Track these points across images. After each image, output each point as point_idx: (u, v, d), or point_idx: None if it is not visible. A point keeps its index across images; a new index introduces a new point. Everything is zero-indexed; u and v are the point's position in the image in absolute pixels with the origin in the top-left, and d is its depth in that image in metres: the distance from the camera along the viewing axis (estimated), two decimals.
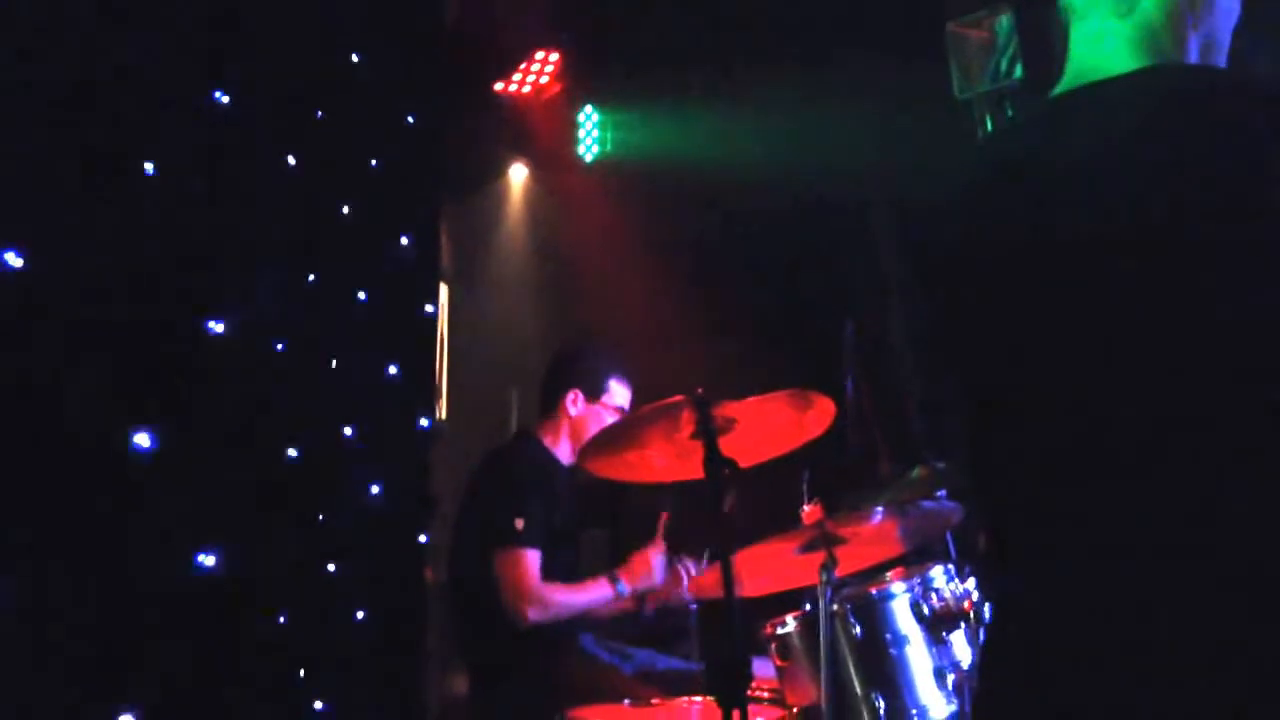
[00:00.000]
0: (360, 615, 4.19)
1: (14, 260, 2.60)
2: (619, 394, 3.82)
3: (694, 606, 3.80)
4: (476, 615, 3.66)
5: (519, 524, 3.50)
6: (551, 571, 3.55)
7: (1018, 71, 4.52)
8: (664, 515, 3.61)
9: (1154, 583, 1.28)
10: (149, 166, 3.02)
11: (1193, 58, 1.48)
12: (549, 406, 3.83)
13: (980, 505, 1.52)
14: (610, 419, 3.72)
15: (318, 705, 3.86)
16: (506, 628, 3.52)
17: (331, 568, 4.04)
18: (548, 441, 3.79)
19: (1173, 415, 1.30)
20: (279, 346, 3.70)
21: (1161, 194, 1.33)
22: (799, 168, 5.03)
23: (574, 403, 3.77)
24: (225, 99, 3.36)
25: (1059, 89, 1.52)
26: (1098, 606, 1.31)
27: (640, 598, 3.67)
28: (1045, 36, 4.42)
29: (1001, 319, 1.44)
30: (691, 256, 5.41)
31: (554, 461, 3.77)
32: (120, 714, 2.70)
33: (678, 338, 5.19)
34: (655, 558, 3.59)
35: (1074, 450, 1.35)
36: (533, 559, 3.50)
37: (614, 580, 3.60)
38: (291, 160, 3.77)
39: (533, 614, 3.46)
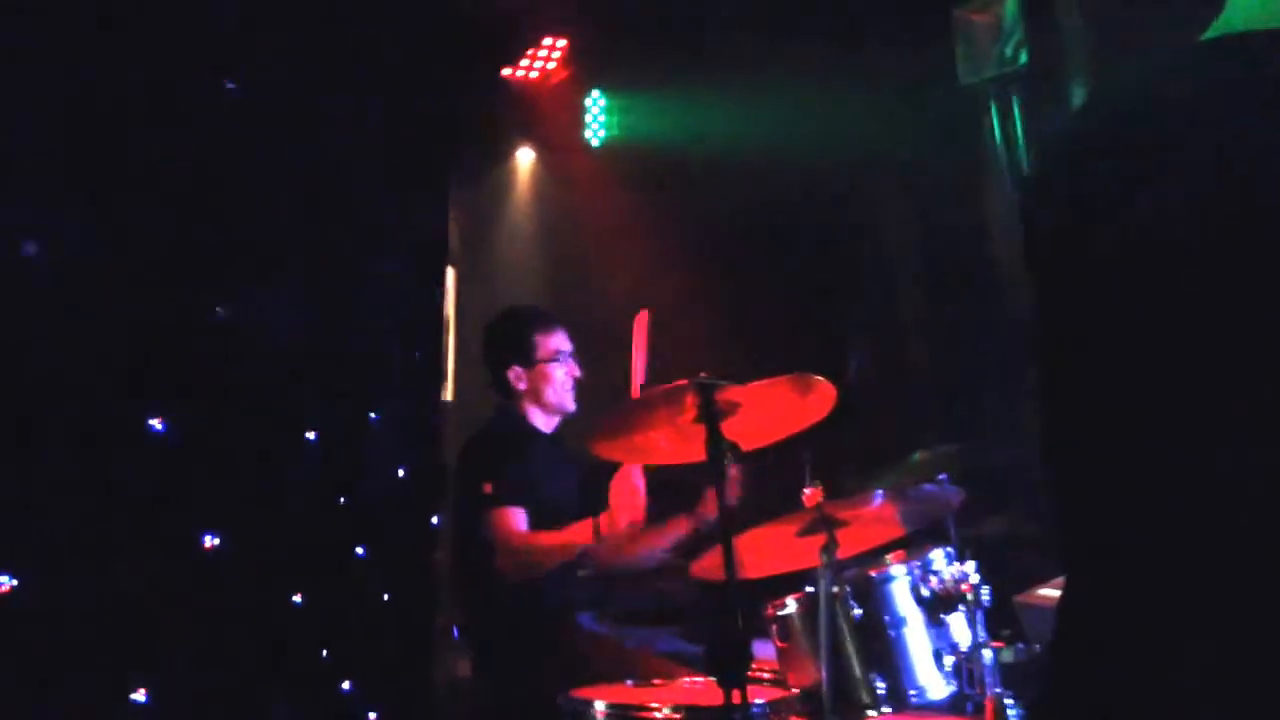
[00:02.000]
0: (383, 597, 4.25)
1: (33, 252, 2.65)
2: (549, 343, 3.79)
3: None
4: (476, 595, 3.69)
5: (487, 488, 3.51)
6: None
7: (1023, 57, 4.53)
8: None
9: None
10: (159, 154, 3.06)
11: None
12: (502, 389, 3.84)
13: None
14: (559, 370, 3.76)
15: (345, 685, 3.94)
16: (505, 606, 3.54)
17: (360, 550, 4.10)
18: (532, 411, 3.82)
19: None
20: (291, 332, 3.75)
21: None
22: (806, 152, 5.06)
23: (518, 377, 3.79)
24: (236, 86, 3.40)
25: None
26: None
27: (696, 517, 3.61)
28: (1050, 21, 4.46)
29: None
30: (697, 240, 5.44)
31: (530, 429, 3.78)
32: (133, 691, 2.75)
33: (684, 321, 5.21)
34: (633, 473, 3.30)
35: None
36: (504, 516, 3.47)
37: (596, 525, 3.37)
38: (302, 146, 3.81)
39: (503, 562, 3.42)
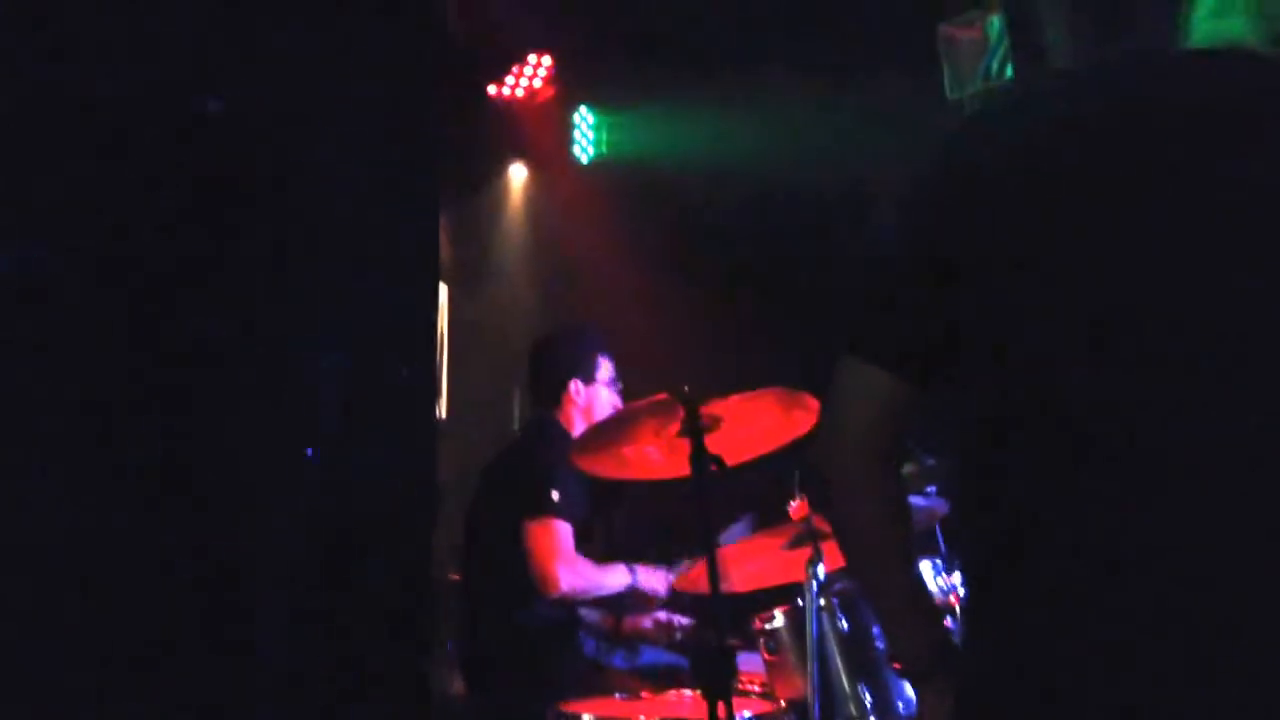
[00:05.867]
0: (381, 612, 4.25)
1: (20, 254, 2.66)
2: (606, 369, 3.86)
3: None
4: (483, 608, 3.71)
5: (555, 495, 3.52)
6: None
7: (1008, 72, 4.57)
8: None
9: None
10: (140, 173, 3.08)
11: None
12: (552, 399, 3.85)
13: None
14: (608, 394, 3.79)
15: (334, 696, 3.93)
16: (509, 623, 3.57)
17: (343, 565, 4.10)
18: (567, 427, 3.83)
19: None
20: (280, 345, 3.76)
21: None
22: (794, 167, 5.08)
23: (577, 392, 3.81)
24: (218, 104, 3.41)
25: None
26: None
27: (624, 612, 3.72)
28: (1036, 37, 4.46)
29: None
30: (688, 256, 5.46)
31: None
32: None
33: (675, 336, 5.23)
34: (668, 578, 3.65)
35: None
36: (567, 530, 3.53)
37: (631, 570, 3.65)
38: (288, 162, 3.82)
39: (565, 580, 3.47)
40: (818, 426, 1.56)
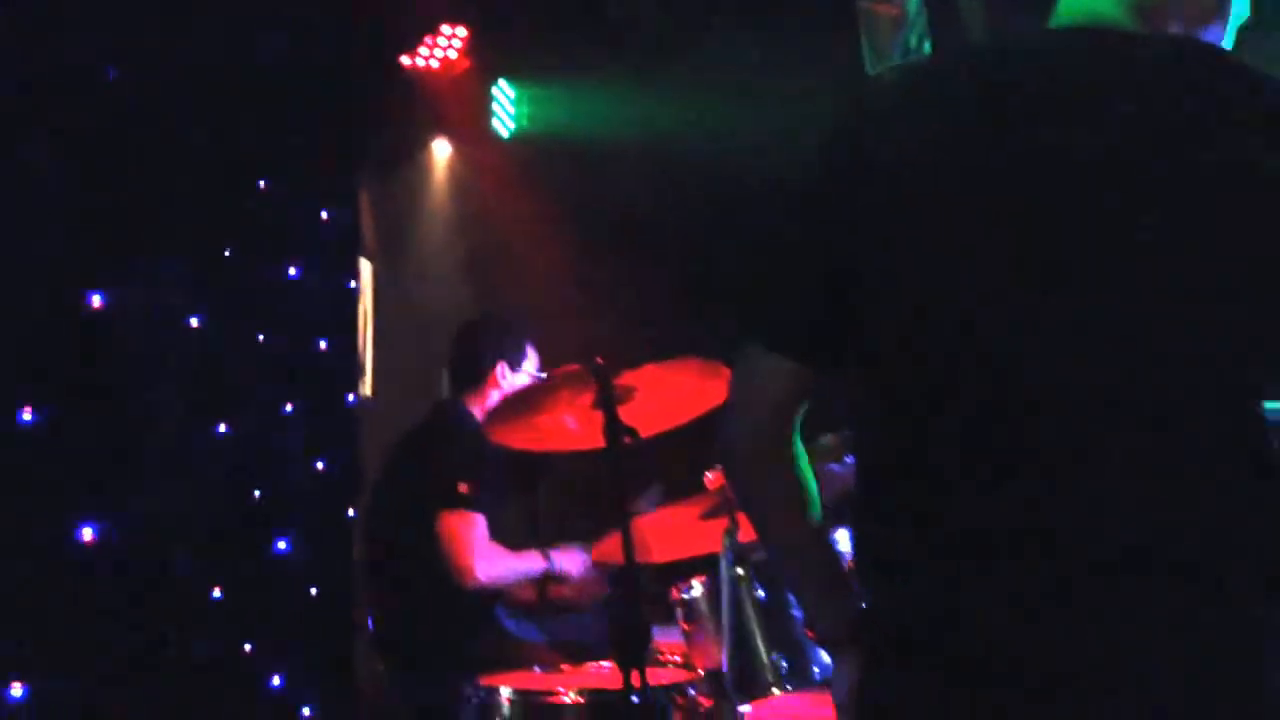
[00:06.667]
0: (302, 591, 4.23)
1: None
2: (533, 359, 3.88)
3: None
4: (399, 588, 3.69)
5: (469, 487, 3.54)
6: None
7: (926, 47, 4.60)
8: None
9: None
10: (49, 145, 3.01)
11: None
12: (476, 379, 3.83)
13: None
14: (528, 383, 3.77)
15: (275, 681, 3.91)
16: (426, 601, 3.56)
17: (280, 545, 4.08)
18: (477, 413, 3.81)
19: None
20: (194, 322, 3.71)
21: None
22: (718, 140, 5.08)
23: (503, 375, 3.80)
24: (128, 75, 3.35)
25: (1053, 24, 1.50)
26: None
27: (547, 582, 3.73)
28: (952, 12, 4.52)
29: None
30: (613, 230, 5.44)
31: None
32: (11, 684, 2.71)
33: (597, 309, 5.23)
34: (585, 559, 3.66)
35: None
36: (480, 522, 3.54)
37: (546, 556, 3.66)
38: (202, 138, 3.76)
39: (481, 570, 3.49)
40: (722, 411, 1.58)
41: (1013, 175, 1.33)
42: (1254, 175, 1.28)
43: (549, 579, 3.70)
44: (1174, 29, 1.46)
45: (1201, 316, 1.26)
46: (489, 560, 3.53)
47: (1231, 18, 1.51)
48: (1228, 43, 1.51)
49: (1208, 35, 1.48)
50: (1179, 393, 1.25)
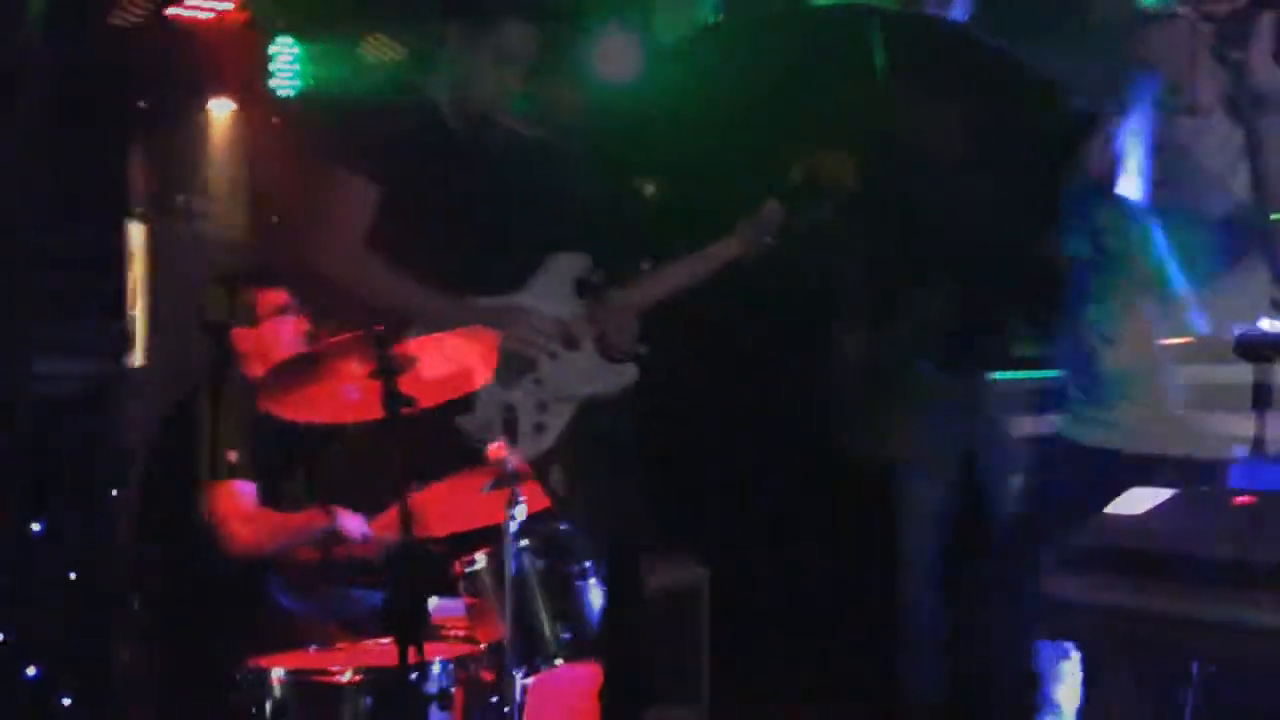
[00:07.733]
0: (60, 576, 4.04)
1: None
2: (267, 301, 3.64)
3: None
4: (166, 568, 3.56)
5: (232, 456, 3.42)
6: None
7: (715, 16, 4.62)
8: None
9: None
10: None
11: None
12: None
13: None
14: (281, 325, 3.60)
15: (30, 671, 3.71)
16: (192, 579, 3.43)
17: (35, 526, 3.88)
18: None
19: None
20: None
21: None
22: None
23: (241, 339, 3.62)
24: None
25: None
26: None
27: (330, 543, 3.60)
28: None
29: None
30: None
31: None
32: None
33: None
34: (366, 531, 3.51)
35: None
36: (248, 489, 3.42)
37: (329, 512, 3.52)
38: None
39: (245, 534, 3.37)
40: None
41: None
42: None
43: (332, 538, 3.55)
44: None
45: None
46: (254, 524, 3.40)
47: None
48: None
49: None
50: None
